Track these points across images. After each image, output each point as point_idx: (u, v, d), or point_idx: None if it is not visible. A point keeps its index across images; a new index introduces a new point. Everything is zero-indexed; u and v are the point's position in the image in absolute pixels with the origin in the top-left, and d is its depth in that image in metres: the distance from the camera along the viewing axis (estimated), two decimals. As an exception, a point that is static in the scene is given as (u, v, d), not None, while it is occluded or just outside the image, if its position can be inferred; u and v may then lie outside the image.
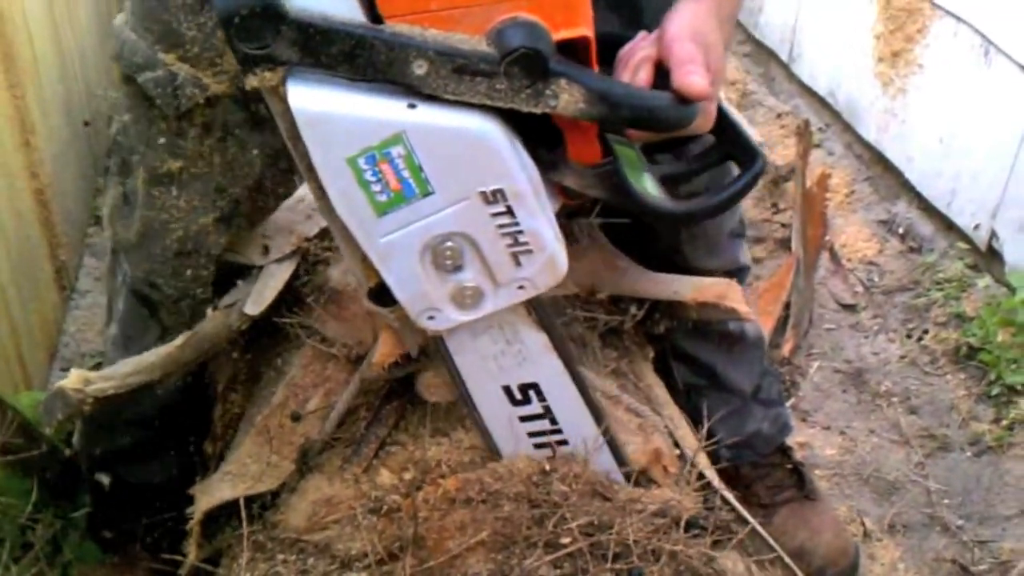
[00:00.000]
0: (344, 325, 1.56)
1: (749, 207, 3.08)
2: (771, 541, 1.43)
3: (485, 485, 1.26)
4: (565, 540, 1.17)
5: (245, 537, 1.20)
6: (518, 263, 1.10)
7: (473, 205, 1.05)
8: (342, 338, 1.54)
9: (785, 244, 2.90)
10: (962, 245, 2.74)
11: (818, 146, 3.24)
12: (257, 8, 0.94)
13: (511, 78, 0.98)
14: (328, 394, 1.49)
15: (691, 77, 1.07)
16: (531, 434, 1.30)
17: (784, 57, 3.51)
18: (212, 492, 1.40)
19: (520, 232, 1.07)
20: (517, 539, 1.18)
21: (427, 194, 1.04)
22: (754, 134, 3.33)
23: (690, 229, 1.74)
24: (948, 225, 2.79)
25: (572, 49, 1.02)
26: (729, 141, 1.22)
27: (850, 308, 2.74)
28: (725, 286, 1.57)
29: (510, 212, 1.05)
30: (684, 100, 1.07)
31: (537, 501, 1.21)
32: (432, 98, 0.99)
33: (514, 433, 1.30)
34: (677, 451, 1.47)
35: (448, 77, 0.98)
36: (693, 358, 1.83)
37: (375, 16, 0.98)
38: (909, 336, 2.63)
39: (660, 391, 1.68)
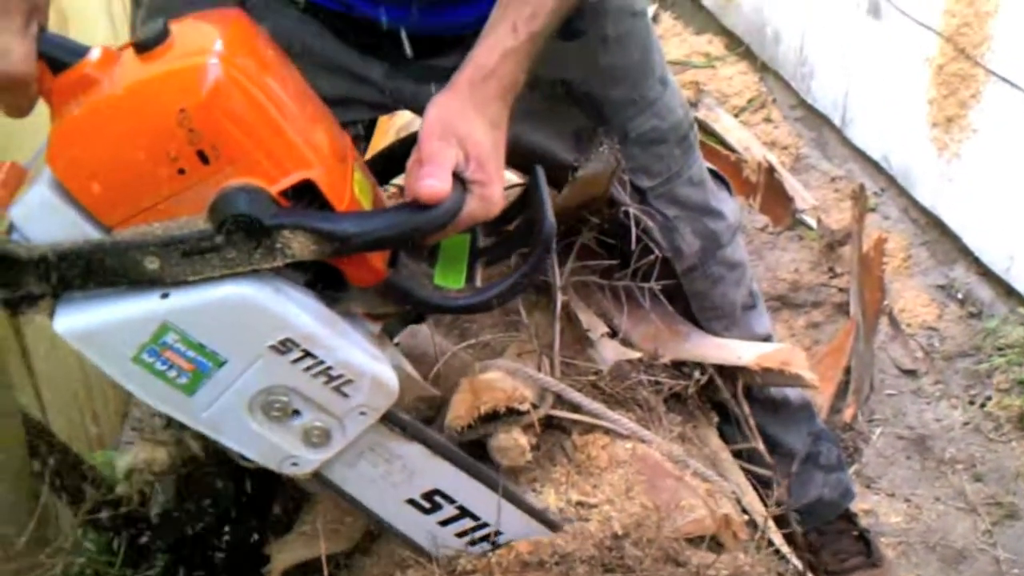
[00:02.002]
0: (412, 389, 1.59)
1: (806, 271, 3.09)
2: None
3: (557, 548, 1.27)
4: (639, 605, 1.18)
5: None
6: (344, 395, 1.11)
7: (270, 360, 1.07)
8: (410, 402, 1.57)
9: (843, 309, 2.90)
10: (1023, 310, 2.72)
11: (873, 210, 3.24)
12: None
13: (235, 246, 1.00)
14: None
15: (423, 182, 1.08)
16: (458, 535, 1.31)
17: (837, 122, 3.52)
18: (289, 551, 1.43)
19: (329, 368, 1.09)
20: (591, 603, 1.19)
21: (221, 364, 1.06)
22: (808, 198, 3.34)
23: (704, 308, 1.76)
24: (1008, 290, 2.77)
25: (303, 191, 1.03)
26: (526, 222, 1.22)
27: (911, 374, 2.73)
28: (789, 352, 1.58)
29: (309, 354, 1.07)
30: (424, 206, 1.08)
31: (611, 565, 1.22)
32: (181, 282, 1.02)
33: (442, 539, 1.31)
34: (745, 517, 1.48)
35: (181, 263, 1.01)
36: (742, 421, 1.84)
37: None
38: (972, 402, 2.60)
39: (725, 456, 1.69)
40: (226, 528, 1.82)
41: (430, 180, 1.08)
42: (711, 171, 1.78)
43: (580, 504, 1.36)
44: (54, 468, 1.80)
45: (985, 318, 2.83)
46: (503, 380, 1.37)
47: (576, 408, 1.46)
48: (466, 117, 1.15)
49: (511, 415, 1.36)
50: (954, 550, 2.21)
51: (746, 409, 1.66)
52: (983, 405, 2.59)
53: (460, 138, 1.13)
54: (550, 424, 1.47)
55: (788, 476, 1.72)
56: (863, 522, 2.02)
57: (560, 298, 1.62)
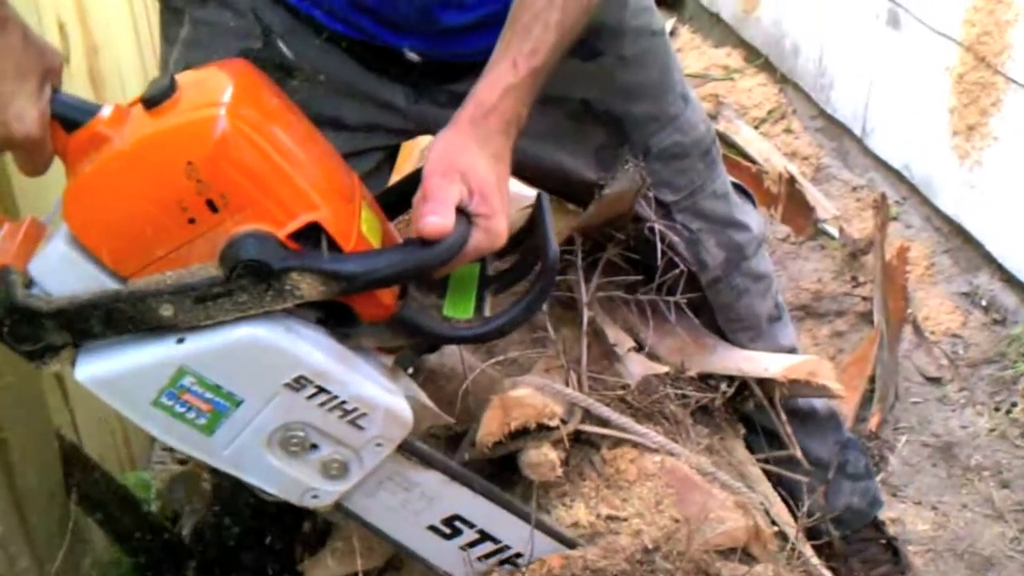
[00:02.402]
0: (441, 405, 1.61)
1: (829, 280, 3.09)
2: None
3: (589, 563, 1.28)
4: (672, 617, 1.19)
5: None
6: (359, 428, 1.13)
7: (285, 397, 1.09)
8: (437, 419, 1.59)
9: (867, 318, 2.90)
10: (1047, 317, 2.73)
11: (895, 219, 3.24)
12: (17, 315, 1.02)
13: (246, 290, 1.03)
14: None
15: (425, 219, 1.10)
16: (480, 558, 1.32)
17: (857, 132, 3.53)
18: (322, 568, 1.44)
19: (344, 403, 1.11)
20: (624, 616, 1.21)
21: (238, 403, 1.09)
22: (829, 208, 3.35)
23: (729, 320, 1.78)
24: (1032, 297, 2.78)
25: (311, 233, 1.05)
26: (532, 249, 1.23)
27: (936, 381, 2.73)
28: (815, 363, 1.59)
29: (323, 390, 1.09)
30: (429, 242, 1.10)
31: (643, 578, 1.24)
32: (195, 327, 1.04)
33: (464, 564, 1.33)
34: (774, 528, 1.49)
35: (194, 308, 1.03)
36: (768, 432, 1.85)
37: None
38: (997, 409, 2.60)
39: (753, 468, 1.70)
40: (256, 546, 1.85)
41: (433, 217, 1.10)
42: (735, 184, 1.80)
43: (610, 518, 1.38)
44: (88, 489, 1.83)
45: (1009, 324, 2.83)
46: (533, 396, 1.38)
47: (604, 422, 1.48)
48: (468, 152, 1.17)
49: (541, 431, 1.38)
50: (982, 557, 2.21)
51: (783, 416, 1.67)
52: (1009, 412, 2.59)
53: (463, 173, 1.15)
54: (579, 439, 1.48)
55: (824, 483, 1.73)
56: (891, 530, 2.02)
57: (586, 314, 1.64)
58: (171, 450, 2.39)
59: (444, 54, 1.49)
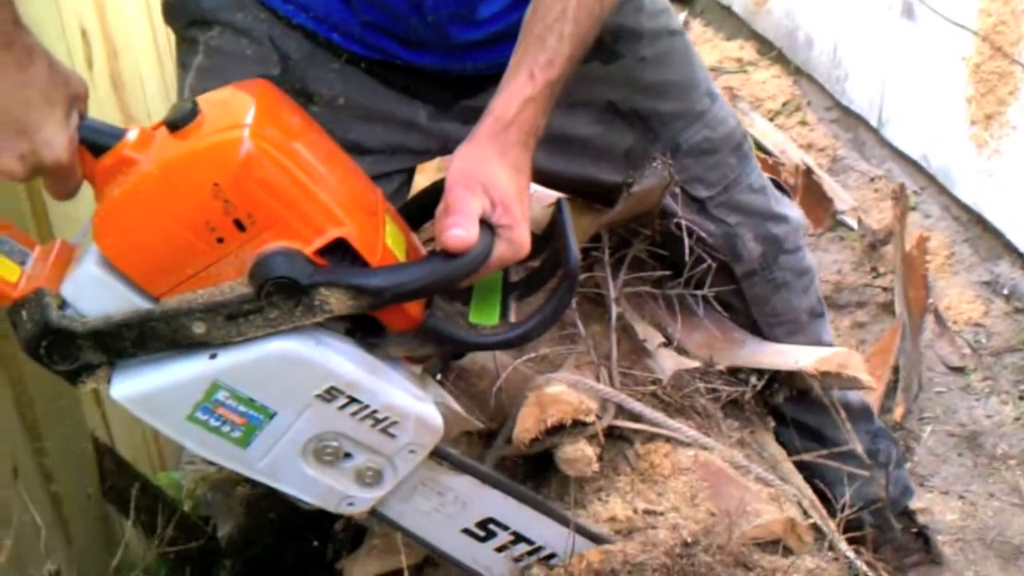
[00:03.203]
0: (473, 402, 1.62)
1: (848, 272, 3.10)
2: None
3: (629, 556, 1.30)
4: (714, 609, 1.20)
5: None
6: (391, 436, 1.15)
7: (317, 408, 1.11)
8: (471, 415, 1.60)
9: (888, 308, 2.91)
10: (1070, 303, 2.73)
11: (914, 209, 3.24)
12: (53, 336, 1.05)
13: (276, 306, 1.05)
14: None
15: (449, 233, 1.11)
16: (516, 559, 1.34)
17: (873, 122, 3.53)
18: (361, 566, 1.45)
19: (375, 411, 1.13)
20: (666, 609, 1.22)
21: (272, 416, 1.11)
22: (847, 199, 3.36)
23: (765, 315, 1.78)
24: (1053, 284, 2.79)
25: (338, 248, 1.06)
26: (554, 254, 1.25)
27: (959, 371, 2.73)
28: (846, 355, 1.60)
29: (354, 400, 1.11)
30: (453, 254, 1.11)
31: (684, 572, 1.25)
32: (227, 343, 1.06)
33: (499, 565, 1.34)
34: (808, 520, 1.49)
35: (225, 325, 1.05)
36: (800, 423, 1.86)
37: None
38: (1022, 397, 2.61)
39: (784, 461, 1.71)
40: (290, 549, 1.87)
41: (456, 230, 1.12)
42: (771, 180, 1.80)
43: (647, 512, 1.39)
44: (123, 490, 1.85)
45: (1031, 312, 2.83)
46: (569, 393, 1.39)
47: (637, 417, 1.49)
48: (489, 164, 1.18)
49: (576, 427, 1.39)
50: (1012, 546, 2.22)
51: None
52: (1034, 400, 2.59)
53: (484, 185, 1.16)
54: (612, 434, 1.49)
55: (881, 471, 1.73)
56: (920, 519, 2.03)
57: (615, 309, 1.65)
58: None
59: (462, 69, 1.50)
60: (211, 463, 2.15)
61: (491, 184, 1.16)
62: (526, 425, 1.38)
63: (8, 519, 1.36)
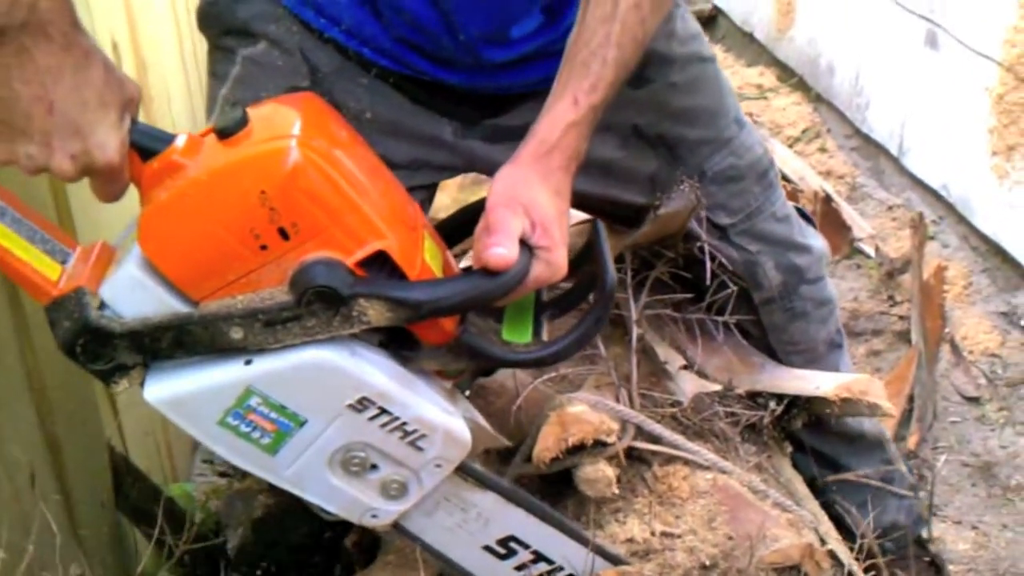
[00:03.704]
0: (492, 420, 1.62)
1: (865, 299, 3.09)
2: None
3: (646, 578, 1.29)
4: (732, 633, 1.20)
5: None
6: (419, 449, 1.15)
7: (348, 418, 1.11)
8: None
9: (904, 337, 2.90)
10: (1087, 337, 2.72)
11: (932, 238, 3.24)
12: (90, 335, 1.06)
13: (315, 315, 1.05)
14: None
15: (490, 251, 1.12)
16: None
17: (893, 151, 3.53)
18: (376, 581, 1.45)
19: (405, 424, 1.13)
20: (683, 632, 1.21)
21: (302, 423, 1.11)
22: (865, 227, 3.36)
23: (782, 342, 1.78)
24: (1071, 317, 2.78)
25: (377, 261, 1.07)
26: (591, 275, 1.26)
27: (974, 401, 2.72)
28: (867, 382, 1.60)
29: (384, 411, 1.11)
30: (493, 272, 1.12)
31: (701, 595, 1.25)
32: (263, 349, 1.07)
33: None
34: (825, 547, 1.49)
35: (263, 332, 1.06)
36: (816, 452, 1.85)
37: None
38: (1037, 429, 2.60)
39: (800, 486, 1.71)
40: (301, 562, 1.86)
41: (498, 249, 1.13)
42: (796, 209, 1.81)
43: (664, 535, 1.39)
44: (136, 500, 1.85)
45: (1049, 345, 2.82)
46: (590, 413, 1.40)
47: (656, 439, 1.49)
48: (531, 186, 1.20)
49: (596, 447, 1.39)
50: (1024, 578, 2.21)
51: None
52: (1049, 433, 2.58)
53: (525, 206, 1.17)
54: (630, 455, 1.49)
55: (896, 500, 1.72)
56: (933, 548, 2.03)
57: (636, 331, 1.65)
58: (211, 462, 2.41)
59: (491, 88, 1.51)
60: (223, 475, 2.17)
61: (532, 206, 1.18)
62: (547, 444, 1.38)
63: (26, 526, 1.36)
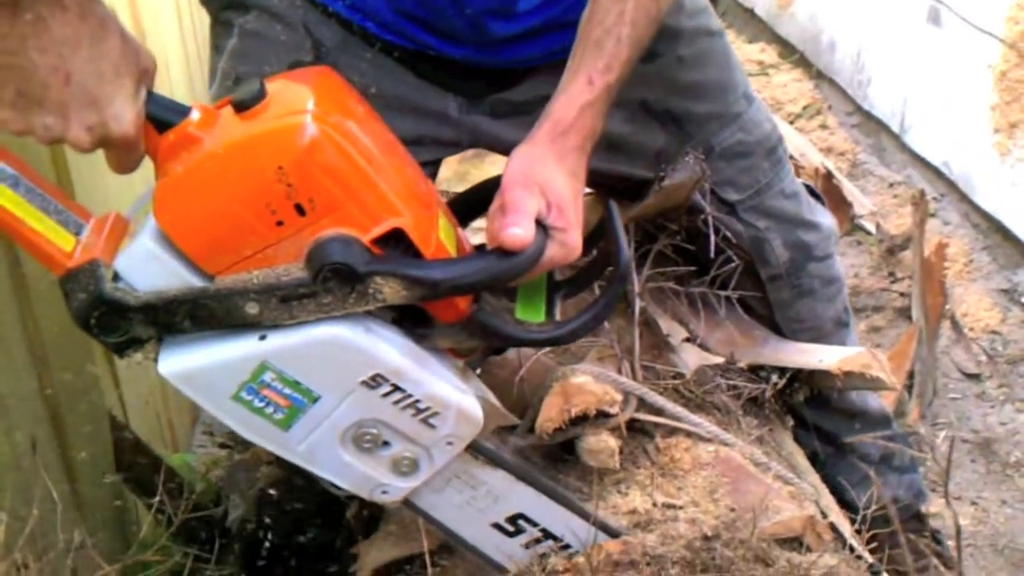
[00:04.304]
0: (494, 391, 1.61)
1: (866, 276, 3.09)
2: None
3: (648, 549, 1.29)
4: (735, 603, 1.20)
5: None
6: (431, 426, 1.15)
7: (361, 395, 1.11)
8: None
9: (904, 313, 2.90)
10: (1087, 314, 2.72)
11: (933, 215, 3.24)
12: (105, 307, 1.05)
13: (330, 292, 1.05)
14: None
15: (507, 231, 1.12)
16: (542, 555, 1.33)
17: (895, 128, 3.52)
18: (377, 551, 1.45)
19: (417, 401, 1.13)
20: (686, 602, 1.21)
21: (316, 399, 1.11)
22: (866, 203, 3.35)
23: (788, 319, 1.78)
24: (1072, 294, 2.78)
25: (393, 239, 1.07)
26: (603, 254, 1.26)
27: (974, 377, 2.73)
28: (870, 356, 1.60)
29: (398, 388, 1.11)
30: (509, 252, 1.12)
31: (704, 565, 1.24)
32: (278, 324, 1.07)
33: (524, 559, 1.34)
34: (826, 519, 1.49)
35: (278, 308, 1.05)
36: (817, 428, 1.85)
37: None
38: (1037, 406, 2.61)
39: (801, 459, 1.71)
40: (300, 538, 1.87)
41: (514, 228, 1.12)
42: (805, 186, 1.80)
43: (666, 506, 1.39)
44: (137, 470, 1.85)
45: (1049, 322, 2.83)
46: (593, 383, 1.39)
47: (659, 411, 1.49)
48: (546, 167, 1.19)
49: (599, 418, 1.39)
50: (1022, 552, 2.21)
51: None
52: (1049, 409, 2.59)
53: (541, 186, 1.17)
54: (632, 427, 1.49)
55: (896, 475, 1.73)
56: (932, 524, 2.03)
57: (638, 304, 1.65)
58: (212, 434, 2.41)
59: (496, 62, 1.50)
60: (223, 446, 2.16)
61: (548, 186, 1.17)
62: (550, 414, 1.38)
63: (28, 495, 1.36)
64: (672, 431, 1.49)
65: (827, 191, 3.17)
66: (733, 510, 1.38)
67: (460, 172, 2.13)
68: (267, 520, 1.90)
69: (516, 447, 1.48)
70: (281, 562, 1.90)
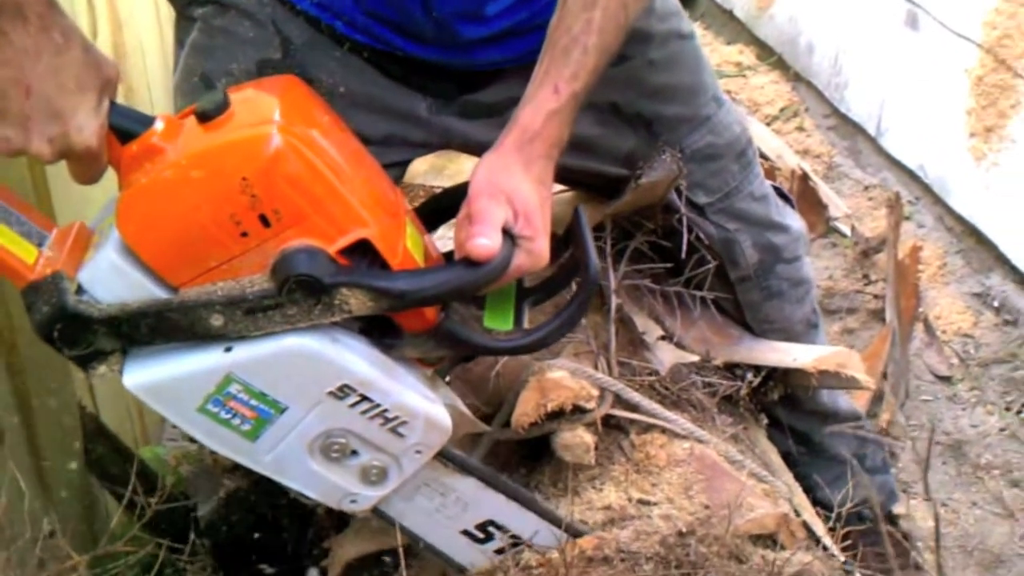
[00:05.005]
0: (468, 386, 1.61)
1: (840, 278, 3.11)
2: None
3: (622, 545, 1.29)
4: (709, 600, 1.20)
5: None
6: (400, 435, 1.15)
7: (328, 405, 1.11)
8: (467, 398, 1.59)
9: (878, 315, 2.92)
10: (1059, 319, 2.74)
11: (908, 219, 3.25)
12: (68, 320, 1.04)
13: (296, 304, 1.05)
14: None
15: (474, 241, 1.12)
16: (516, 552, 1.34)
17: (871, 131, 3.54)
18: (351, 545, 1.45)
19: (385, 411, 1.13)
20: (660, 598, 1.21)
21: (283, 410, 1.11)
22: (841, 205, 3.36)
23: (758, 320, 1.78)
24: (1044, 299, 2.80)
25: (360, 249, 1.06)
26: (573, 260, 1.25)
27: (946, 380, 2.74)
28: (846, 355, 1.61)
29: (365, 399, 1.11)
30: (476, 262, 1.12)
31: (678, 562, 1.24)
32: (243, 336, 1.06)
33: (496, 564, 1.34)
34: (799, 518, 1.49)
35: (244, 320, 1.05)
36: (790, 428, 1.86)
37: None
38: (1008, 409, 2.62)
39: (775, 458, 1.72)
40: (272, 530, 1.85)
41: (481, 239, 1.12)
42: (775, 188, 1.80)
43: (641, 502, 1.39)
44: (107, 462, 1.83)
45: (1021, 326, 2.85)
46: (569, 379, 1.39)
47: (634, 408, 1.49)
48: (513, 175, 1.19)
49: (575, 413, 1.38)
50: (992, 555, 2.23)
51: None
52: (1019, 412, 2.61)
53: (508, 195, 1.17)
54: (608, 423, 1.49)
55: (868, 476, 1.74)
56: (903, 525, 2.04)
57: (614, 301, 1.65)
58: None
59: (465, 64, 1.49)
60: (194, 440, 2.15)
61: (515, 195, 1.17)
62: (525, 409, 1.37)
63: (-5, 483, 1.35)
64: (647, 428, 1.49)
65: (803, 193, 3.18)
66: (708, 507, 1.38)
67: (437, 166, 2.13)
68: (235, 519, 1.89)
69: (491, 442, 1.48)
70: (252, 557, 1.89)
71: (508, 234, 1.16)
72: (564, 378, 1.39)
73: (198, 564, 1.91)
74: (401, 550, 1.24)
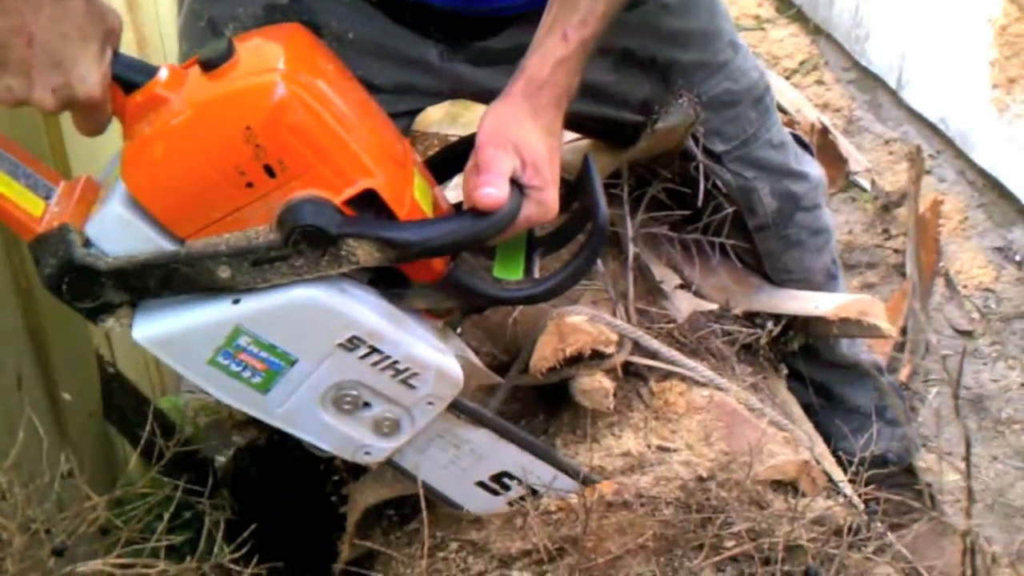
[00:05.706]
0: (486, 333, 1.60)
1: (860, 232, 3.08)
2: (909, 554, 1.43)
3: (642, 490, 1.28)
4: (729, 544, 1.19)
5: (425, 525, 1.24)
6: (411, 387, 1.14)
7: (339, 357, 1.10)
8: (484, 345, 1.58)
9: (898, 270, 2.89)
10: (1081, 273, 2.71)
11: (929, 172, 3.21)
12: (76, 273, 1.04)
13: (302, 255, 1.03)
14: (474, 401, 1.53)
15: (481, 191, 1.10)
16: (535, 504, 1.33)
17: (892, 84, 3.49)
18: (369, 491, 1.44)
19: (396, 362, 1.12)
20: (679, 542, 1.20)
21: (293, 363, 1.10)
22: (862, 160, 3.33)
23: (776, 270, 1.76)
24: (1066, 252, 2.77)
25: (366, 199, 1.05)
26: (582, 210, 1.24)
27: (967, 334, 2.72)
28: (868, 303, 1.59)
29: (375, 350, 1.10)
30: (483, 213, 1.11)
31: (699, 506, 1.24)
32: (251, 288, 1.05)
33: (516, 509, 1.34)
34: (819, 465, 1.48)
35: (251, 271, 1.04)
36: (810, 380, 1.85)
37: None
38: (1029, 363, 2.61)
39: (795, 408, 1.71)
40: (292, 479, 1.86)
41: (488, 188, 1.11)
42: (794, 136, 1.78)
43: (660, 449, 1.38)
44: (125, 410, 1.84)
45: (1043, 280, 2.82)
46: (588, 323, 1.38)
47: (653, 355, 1.48)
48: (521, 125, 1.17)
49: (594, 358, 1.37)
50: (1012, 508, 2.22)
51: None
52: (1040, 366, 2.59)
53: (516, 145, 1.15)
54: (627, 371, 1.48)
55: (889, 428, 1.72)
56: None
57: (632, 249, 1.63)
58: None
59: (476, 10, 1.47)
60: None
61: (523, 145, 1.15)
62: (544, 353, 1.36)
63: (12, 428, 1.35)
64: (666, 375, 1.48)
65: (822, 147, 3.15)
66: (727, 454, 1.37)
67: (452, 114, 2.10)
68: (253, 470, 1.90)
69: (510, 388, 1.47)
70: (271, 504, 1.89)
71: (516, 184, 1.15)
72: (583, 323, 1.38)
73: (217, 507, 1.92)
74: (422, 497, 1.23)
